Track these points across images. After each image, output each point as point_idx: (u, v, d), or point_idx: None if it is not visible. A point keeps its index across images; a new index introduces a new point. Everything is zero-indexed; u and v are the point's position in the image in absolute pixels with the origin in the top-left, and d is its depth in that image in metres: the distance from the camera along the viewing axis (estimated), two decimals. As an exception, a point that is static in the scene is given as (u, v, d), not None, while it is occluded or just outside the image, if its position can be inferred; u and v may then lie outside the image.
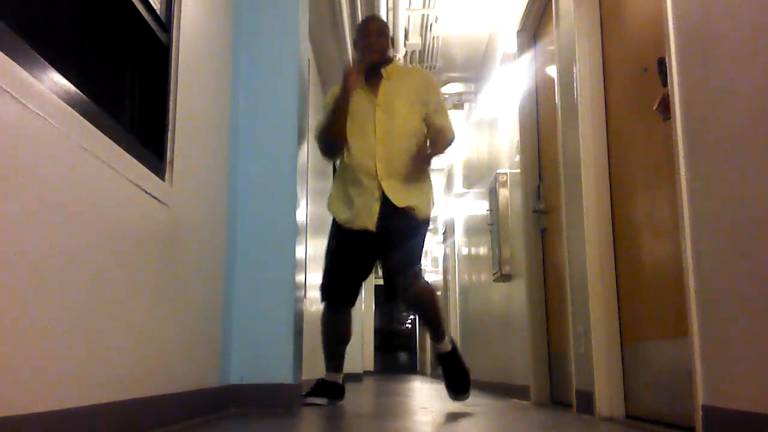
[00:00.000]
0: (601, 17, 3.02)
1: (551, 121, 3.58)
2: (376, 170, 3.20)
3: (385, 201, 3.19)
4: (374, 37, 3.31)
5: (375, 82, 3.31)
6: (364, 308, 11.13)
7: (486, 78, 5.83)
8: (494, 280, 4.95)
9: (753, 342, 1.61)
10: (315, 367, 5.74)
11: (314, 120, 4.17)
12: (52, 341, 1.42)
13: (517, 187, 4.35)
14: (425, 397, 4.23)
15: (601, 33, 3.01)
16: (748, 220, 1.63)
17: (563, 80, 3.24)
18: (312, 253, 5.48)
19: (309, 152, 4.79)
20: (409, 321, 23.78)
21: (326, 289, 3.38)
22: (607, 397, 2.73)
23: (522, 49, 4.27)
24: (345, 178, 3.34)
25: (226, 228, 3.01)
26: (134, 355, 1.91)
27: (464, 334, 7.63)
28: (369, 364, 12.81)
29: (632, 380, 2.66)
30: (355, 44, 3.42)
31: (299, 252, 3.33)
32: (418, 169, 3.23)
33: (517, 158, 4.29)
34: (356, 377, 9.68)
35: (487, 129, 5.80)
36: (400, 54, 5.70)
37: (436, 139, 3.33)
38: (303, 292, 3.59)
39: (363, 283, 3.50)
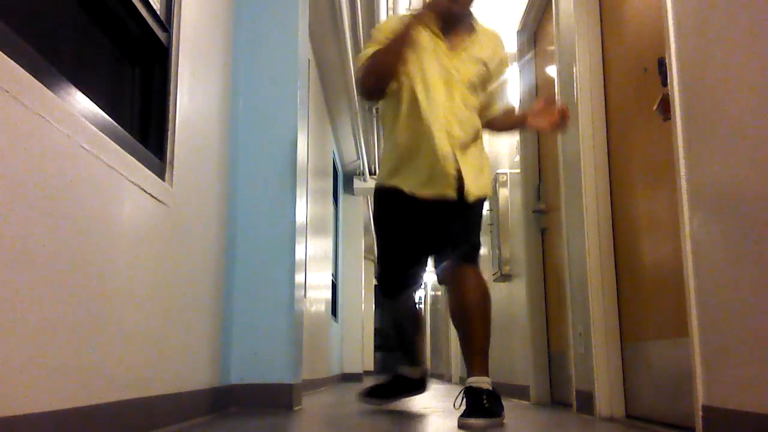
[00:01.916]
0: (601, 17, 3.02)
1: (551, 121, 3.57)
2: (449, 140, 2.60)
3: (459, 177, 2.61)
4: None
5: (455, 33, 2.72)
6: (364, 308, 11.14)
7: (486, 78, 5.82)
8: (494, 280, 4.95)
9: (753, 342, 1.61)
10: (315, 367, 5.76)
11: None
12: (51, 341, 1.42)
13: (517, 187, 4.35)
14: (425, 397, 4.23)
15: (601, 33, 3.01)
16: (748, 219, 1.63)
17: (563, 80, 3.24)
18: (312, 253, 5.49)
19: (309, 152, 4.79)
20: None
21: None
22: (607, 397, 2.73)
23: (522, 49, 4.27)
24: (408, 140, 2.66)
25: (226, 228, 3.01)
26: (134, 355, 1.91)
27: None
28: (369, 364, 12.82)
29: (632, 380, 2.66)
30: None
31: (299, 252, 3.33)
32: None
33: (517, 158, 4.29)
34: (356, 377, 9.70)
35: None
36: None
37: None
38: (303, 292, 3.59)
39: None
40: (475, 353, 2.53)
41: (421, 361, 3.11)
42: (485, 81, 2.74)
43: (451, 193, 2.59)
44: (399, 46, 2.61)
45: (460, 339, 2.63)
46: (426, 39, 2.67)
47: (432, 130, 2.58)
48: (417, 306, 3.20)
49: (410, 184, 2.66)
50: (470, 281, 2.60)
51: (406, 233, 2.75)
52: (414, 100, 2.63)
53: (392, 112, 2.72)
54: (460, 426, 2.30)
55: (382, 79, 2.65)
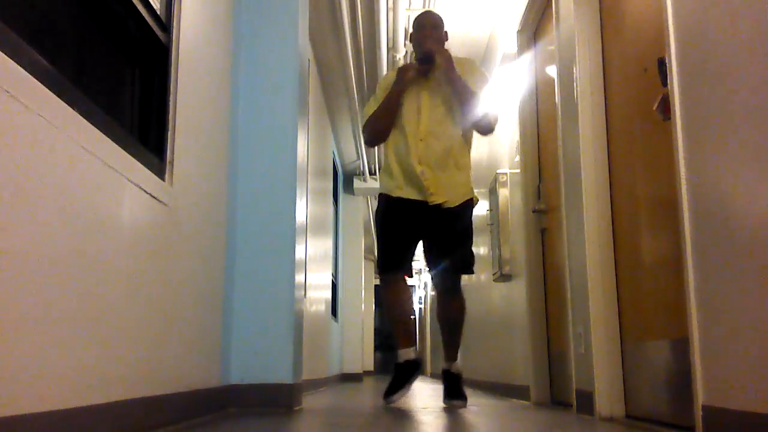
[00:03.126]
0: (601, 17, 3.02)
1: (551, 121, 3.58)
2: (417, 166, 3.30)
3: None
4: (429, 29, 3.40)
5: (429, 71, 3.38)
6: (364, 308, 11.14)
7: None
8: (494, 280, 4.96)
9: (753, 342, 1.61)
10: (315, 367, 5.76)
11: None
12: (51, 341, 1.42)
13: (517, 187, 4.35)
14: (425, 397, 4.23)
15: (601, 33, 3.01)
16: (748, 219, 1.63)
17: (563, 80, 3.24)
18: (312, 253, 5.49)
19: (309, 152, 4.79)
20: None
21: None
22: (607, 397, 2.73)
23: (522, 49, 4.27)
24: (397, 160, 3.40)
25: (226, 228, 3.01)
26: (134, 355, 1.91)
27: (464, 334, 7.62)
28: (369, 364, 12.82)
29: (632, 380, 2.66)
30: (411, 37, 3.53)
31: (299, 252, 3.33)
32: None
33: (517, 158, 4.29)
34: (356, 377, 9.69)
35: (487, 129, 5.80)
36: (399, 54, 5.70)
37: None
38: (303, 292, 3.59)
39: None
40: (453, 347, 3.55)
41: (413, 342, 3.57)
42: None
43: (423, 197, 3.28)
44: (389, 102, 3.35)
45: (442, 335, 3.58)
46: (411, 88, 3.38)
47: (409, 149, 3.31)
48: (409, 290, 3.65)
49: (401, 190, 3.35)
50: (454, 302, 3.47)
51: (398, 227, 3.39)
52: (399, 126, 3.36)
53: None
54: (445, 405, 3.31)
55: (381, 135, 3.44)
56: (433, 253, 3.40)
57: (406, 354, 3.40)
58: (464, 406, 3.30)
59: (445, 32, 3.49)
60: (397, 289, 3.40)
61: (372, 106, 3.46)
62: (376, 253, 3.59)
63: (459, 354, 3.60)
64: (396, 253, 3.38)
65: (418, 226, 3.35)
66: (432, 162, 3.29)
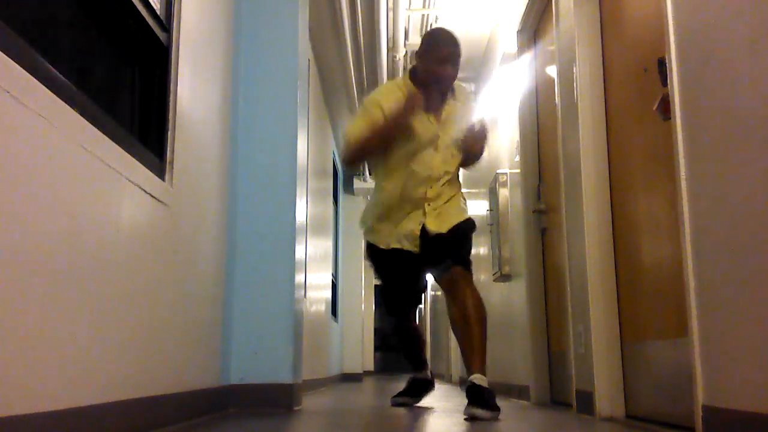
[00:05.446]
0: (601, 17, 3.01)
1: (551, 121, 3.58)
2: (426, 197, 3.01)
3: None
4: (450, 67, 2.95)
5: (436, 105, 3.03)
6: (364, 308, 11.14)
7: (486, 78, 5.83)
8: (494, 280, 4.95)
9: (753, 342, 1.61)
10: (315, 367, 5.76)
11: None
12: (51, 341, 1.42)
13: (517, 187, 4.34)
14: (427, 397, 4.23)
15: (601, 33, 3.00)
16: (748, 219, 1.63)
17: (563, 80, 3.24)
18: (312, 253, 5.49)
19: (309, 152, 4.79)
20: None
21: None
22: (607, 397, 2.73)
23: (522, 49, 4.27)
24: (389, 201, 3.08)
25: (226, 228, 3.01)
26: (134, 355, 1.91)
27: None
28: (369, 363, 12.81)
29: (632, 380, 2.66)
30: (422, 57, 3.00)
31: (299, 252, 3.33)
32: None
33: (517, 158, 4.29)
34: (356, 377, 9.69)
35: (487, 129, 5.79)
36: (400, 54, 5.70)
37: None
38: (303, 292, 3.59)
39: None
40: (473, 352, 2.82)
41: (426, 365, 3.61)
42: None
43: (414, 247, 3.01)
44: (390, 131, 2.93)
45: (458, 342, 2.94)
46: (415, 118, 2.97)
47: (417, 190, 2.99)
48: (415, 321, 3.63)
49: (393, 241, 3.07)
50: (464, 288, 2.92)
51: (398, 278, 3.21)
52: (403, 160, 3.00)
53: (382, 170, 3.10)
54: (466, 415, 2.59)
55: (368, 159, 3.20)
56: (433, 262, 3.03)
57: (422, 375, 3.56)
58: (489, 416, 2.58)
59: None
60: (402, 330, 3.44)
61: (359, 124, 2.99)
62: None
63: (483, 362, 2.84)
64: (400, 302, 3.32)
65: (417, 267, 3.12)
66: (437, 201, 3.02)
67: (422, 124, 2.98)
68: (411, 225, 3.02)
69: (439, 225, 3.00)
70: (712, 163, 1.82)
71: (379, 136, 2.93)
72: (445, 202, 3.05)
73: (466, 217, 3.09)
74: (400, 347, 3.56)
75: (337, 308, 8.97)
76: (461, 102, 3.12)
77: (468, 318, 2.85)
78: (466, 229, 3.05)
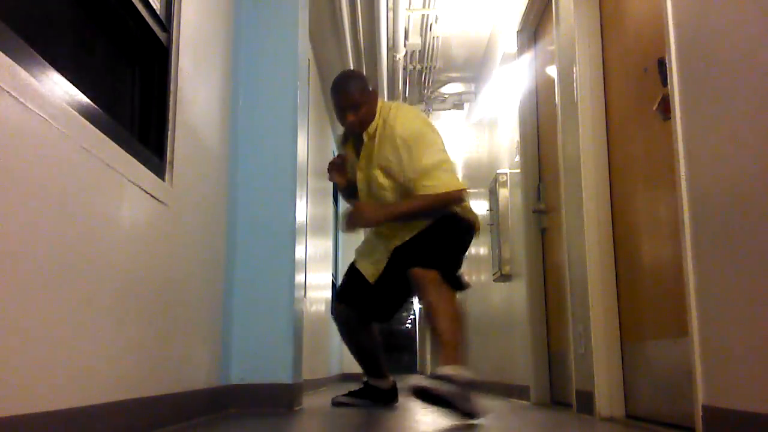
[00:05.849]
0: (601, 17, 3.02)
1: (551, 121, 3.58)
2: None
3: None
4: (350, 114, 2.90)
5: (361, 142, 3.03)
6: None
7: (486, 78, 5.83)
8: (494, 280, 4.95)
9: (753, 342, 1.61)
10: (315, 367, 5.75)
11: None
12: (51, 341, 1.42)
13: (517, 187, 4.34)
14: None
15: (601, 33, 3.01)
16: (748, 220, 1.63)
17: (563, 80, 3.24)
18: (312, 253, 5.49)
19: (309, 152, 4.79)
20: (409, 321, 23.78)
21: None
22: (607, 397, 2.73)
23: (522, 49, 4.27)
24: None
25: (226, 228, 3.01)
26: (134, 355, 1.91)
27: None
28: (369, 364, 12.79)
29: (632, 380, 2.66)
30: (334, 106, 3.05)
31: (299, 252, 3.33)
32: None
33: (517, 158, 4.29)
34: (356, 377, 9.69)
35: (487, 129, 5.80)
36: (400, 54, 5.70)
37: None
38: (303, 292, 3.59)
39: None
40: (440, 347, 2.62)
41: (386, 375, 3.39)
42: (400, 161, 2.85)
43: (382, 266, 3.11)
44: (343, 194, 3.34)
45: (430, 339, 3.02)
46: (351, 151, 3.15)
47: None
48: (373, 325, 3.35)
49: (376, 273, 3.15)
50: (423, 285, 2.70)
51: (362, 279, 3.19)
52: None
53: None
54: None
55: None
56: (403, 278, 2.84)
57: (381, 383, 3.38)
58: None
59: (372, 91, 2.97)
60: (351, 325, 3.28)
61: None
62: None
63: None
64: (357, 294, 3.21)
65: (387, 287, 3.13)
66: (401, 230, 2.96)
67: (355, 170, 3.10)
68: (378, 255, 3.15)
69: (401, 239, 2.94)
70: (712, 163, 1.82)
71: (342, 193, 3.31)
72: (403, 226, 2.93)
73: (431, 222, 2.86)
74: (348, 345, 3.35)
75: (337, 308, 8.94)
76: (386, 129, 2.91)
77: (429, 311, 2.69)
78: (428, 231, 2.85)
